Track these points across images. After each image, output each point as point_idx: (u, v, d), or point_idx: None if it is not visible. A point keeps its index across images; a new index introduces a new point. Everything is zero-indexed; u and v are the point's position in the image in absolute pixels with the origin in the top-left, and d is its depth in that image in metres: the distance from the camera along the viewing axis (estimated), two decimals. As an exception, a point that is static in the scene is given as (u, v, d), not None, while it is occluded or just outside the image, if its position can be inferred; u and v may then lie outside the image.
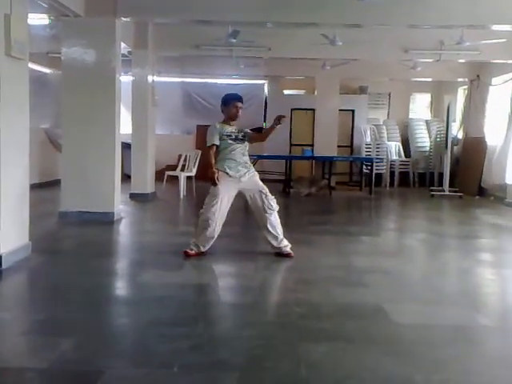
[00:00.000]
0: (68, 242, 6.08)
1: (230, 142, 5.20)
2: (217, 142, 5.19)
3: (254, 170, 5.37)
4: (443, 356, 3.01)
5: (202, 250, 5.18)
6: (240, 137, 5.25)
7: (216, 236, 5.18)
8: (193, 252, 5.14)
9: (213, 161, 5.17)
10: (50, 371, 2.70)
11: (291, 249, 5.25)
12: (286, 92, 14.21)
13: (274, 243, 5.24)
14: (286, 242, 5.27)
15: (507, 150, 10.17)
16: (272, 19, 7.22)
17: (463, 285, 4.77)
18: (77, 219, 6.77)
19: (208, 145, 5.22)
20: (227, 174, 5.15)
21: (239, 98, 5.30)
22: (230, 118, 5.28)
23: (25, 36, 4.80)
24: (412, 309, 3.89)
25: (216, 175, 5.07)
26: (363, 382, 2.70)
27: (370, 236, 6.76)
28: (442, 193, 11.06)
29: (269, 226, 5.19)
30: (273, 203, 5.22)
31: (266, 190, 5.24)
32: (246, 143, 5.30)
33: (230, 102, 5.28)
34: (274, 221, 5.22)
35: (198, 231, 5.20)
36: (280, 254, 5.23)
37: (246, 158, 5.30)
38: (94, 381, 2.57)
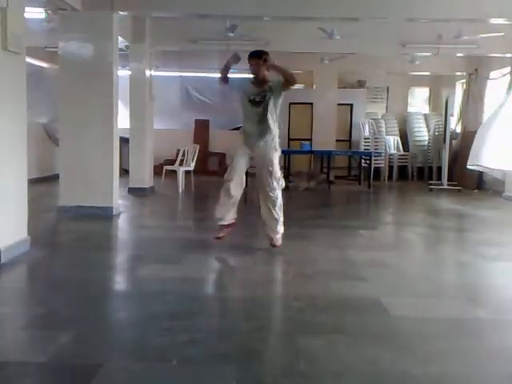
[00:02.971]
0: (67, 236, 6.08)
1: (247, 103, 5.05)
2: (225, 74, 5.09)
3: (272, 138, 5.07)
4: (441, 349, 3.02)
5: (224, 222, 5.21)
6: (258, 99, 4.99)
7: (233, 199, 5.17)
8: (220, 234, 5.21)
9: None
10: (49, 365, 2.71)
11: (287, 242, 5.23)
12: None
13: (272, 225, 5.10)
14: (280, 233, 5.16)
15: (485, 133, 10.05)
16: (269, 13, 7.21)
17: (461, 278, 4.79)
18: (75, 214, 6.76)
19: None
20: (244, 139, 5.09)
21: (253, 54, 5.03)
22: (253, 76, 5.08)
23: (21, 30, 4.78)
24: (410, 302, 3.90)
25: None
26: (361, 375, 2.71)
27: (369, 230, 6.77)
28: (441, 186, 11.07)
29: (271, 206, 5.07)
30: (276, 183, 5.05)
31: (273, 168, 5.03)
32: (267, 105, 4.98)
33: (248, 60, 5.04)
34: (278, 203, 5.08)
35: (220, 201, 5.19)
36: (269, 241, 5.17)
37: (263, 127, 5.01)
38: (93, 374, 2.58)
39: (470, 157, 9.77)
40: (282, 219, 5.15)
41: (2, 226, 4.55)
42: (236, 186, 5.13)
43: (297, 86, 14.83)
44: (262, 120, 5.01)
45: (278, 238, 5.20)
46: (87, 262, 4.78)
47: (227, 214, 5.22)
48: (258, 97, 5.00)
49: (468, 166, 9.89)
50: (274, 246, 5.19)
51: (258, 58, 5.00)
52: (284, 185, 5.15)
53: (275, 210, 5.10)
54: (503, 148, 8.15)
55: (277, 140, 5.14)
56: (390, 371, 2.74)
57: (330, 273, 4.61)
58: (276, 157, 5.10)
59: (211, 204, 9.55)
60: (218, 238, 5.25)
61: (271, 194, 5.07)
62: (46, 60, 11.19)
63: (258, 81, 5.07)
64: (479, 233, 6.80)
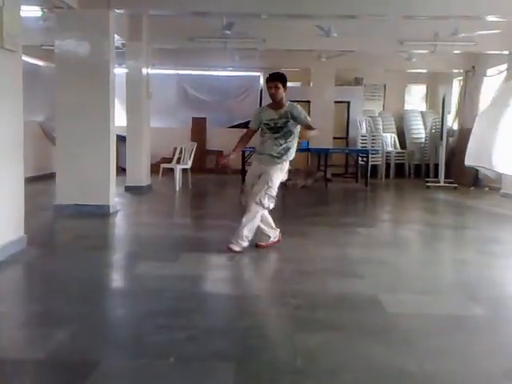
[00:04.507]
0: (64, 234, 6.07)
1: (265, 130, 5.06)
2: (251, 126, 5.18)
3: (283, 161, 5.03)
4: (438, 346, 3.03)
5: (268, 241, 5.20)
6: (279, 124, 4.96)
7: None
8: (264, 243, 5.18)
9: (239, 146, 5.22)
10: (47, 362, 2.71)
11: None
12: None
13: (240, 227, 4.95)
14: (239, 240, 4.98)
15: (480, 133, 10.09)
16: (267, 11, 7.19)
17: (458, 275, 4.80)
18: (72, 212, 6.75)
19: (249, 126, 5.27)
20: (257, 156, 5.17)
21: (272, 77, 4.98)
22: (271, 99, 5.06)
23: (18, 28, 4.76)
24: (407, 299, 3.91)
25: (223, 160, 5.16)
26: (358, 371, 2.71)
27: (366, 227, 6.77)
28: (438, 184, 11.09)
29: (250, 212, 4.90)
30: (264, 201, 4.89)
31: (272, 185, 4.93)
32: (286, 130, 4.96)
33: (267, 82, 5.01)
34: (254, 215, 4.92)
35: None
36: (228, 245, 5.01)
37: (280, 149, 4.97)
38: (90, 371, 2.58)
39: (469, 155, 9.80)
40: (245, 232, 4.95)
41: (-2, 224, 4.54)
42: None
43: (294, 84, 14.85)
44: (280, 144, 4.99)
45: (234, 244, 4.98)
46: (84, 260, 4.78)
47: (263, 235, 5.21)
48: (281, 121, 4.96)
49: (466, 164, 9.93)
50: (229, 248, 4.97)
51: (278, 80, 4.95)
52: (272, 206, 5.04)
53: (249, 218, 4.93)
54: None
55: (287, 164, 5.14)
56: (386, 368, 2.75)
57: (328, 270, 4.61)
58: (279, 178, 5.07)
59: (208, 202, 9.66)
60: (261, 245, 5.19)
61: (255, 205, 4.89)
62: (42, 58, 11.16)
63: (274, 104, 5.03)
64: (477, 230, 6.82)
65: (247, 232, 4.96)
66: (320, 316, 3.50)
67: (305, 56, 11.71)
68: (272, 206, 5.02)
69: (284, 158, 5.04)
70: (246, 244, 4.99)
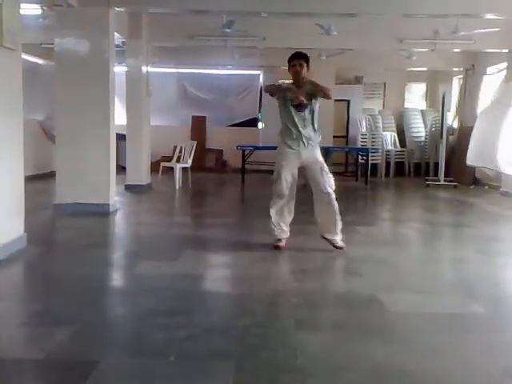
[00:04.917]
0: (64, 233, 6.07)
1: (291, 108, 4.87)
2: (273, 95, 4.97)
3: (318, 141, 5.00)
4: (438, 344, 3.03)
5: (282, 244, 5.12)
6: (304, 103, 4.85)
7: (287, 220, 5.11)
8: (279, 244, 5.10)
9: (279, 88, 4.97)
10: (47, 362, 2.71)
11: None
12: (281, 82, 14.13)
13: (332, 227, 5.00)
14: (340, 234, 5.04)
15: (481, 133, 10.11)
16: (266, 9, 7.18)
17: (458, 273, 4.80)
18: (72, 211, 6.75)
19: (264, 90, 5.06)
20: (288, 145, 4.91)
21: (296, 56, 4.93)
22: (293, 78, 4.93)
23: (17, 26, 4.75)
24: (407, 297, 3.91)
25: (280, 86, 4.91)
26: (358, 371, 2.71)
27: (366, 226, 6.77)
28: (438, 182, 11.09)
29: (328, 206, 4.95)
30: (332, 182, 4.93)
31: (326, 167, 4.94)
32: (310, 108, 4.89)
33: (291, 61, 4.92)
34: (335, 203, 4.96)
35: (271, 212, 5.08)
36: (327, 241, 5.06)
37: (309, 130, 4.91)
38: (90, 371, 2.58)
39: (471, 155, 9.81)
40: (339, 225, 5.04)
41: (-2, 223, 4.54)
42: (289, 203, 5.08)
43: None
44: (309, 123, 4.92)
45: (339, 240, 5.09)
46: (84, 259, 4.78)
47: (284, 234, 5.15)
48: (304, 101, 4.85)
49: (468, 164, 9.93)
50: (338, 247, 5.06)
51: (302, 59, 4.92)
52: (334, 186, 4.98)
53: (335, 210, 4.98)
54: None
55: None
56: (386, 367, 2.75)
57: (328, 268, 4.62)
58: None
59: (208, 201, 9.65)
60: (277, 246, 5.13)
61: (330, 196, 4.94)
62: (41, 56, 11.15)
63: (298, 83, 4.94)
64: (477, 228, 6.81)
65: (340, 224, 5.02)
66: (320, 314, 3.50)
67: (305, 54, 11.69)
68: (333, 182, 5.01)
69: (317, 140, 5.00)
70: (340, 233, 5.06)
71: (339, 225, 5.06)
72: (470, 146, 9.98)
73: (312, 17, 8.18)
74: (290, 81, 5.00)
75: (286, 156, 4.96)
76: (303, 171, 5.02)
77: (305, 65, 4.92)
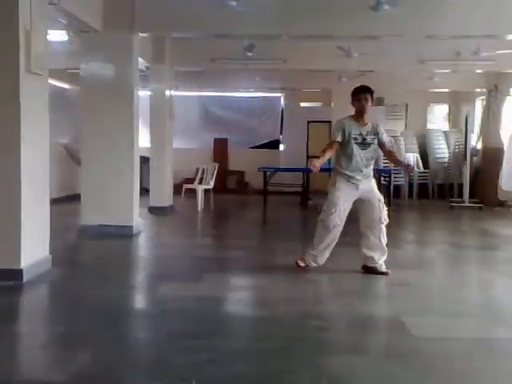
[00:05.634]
0: (88, 255, 6.12)
1: (354, 145, 4.84)
2: (339, 139, 4.85)
3: (371, 172, 5.05)
4: (463, 369, 2.97)
5: (313, 264, 5.09)
6: (368, 140, 4.87)
7: (331, 247, 5.09)
8: (302, 264, 5.08)
9: (324, 155, 4.83)
10: (70, 384, 2.72)
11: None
12: (302, 104, 14.23)
13: (377, 257, 4.98)
14: (383, 260, 5.04)
15: None
16: (287, 32, 7.24)
17: (484, 297, 4.70)
18: (97, 232, 6.80)
19: (332, 139, 4.96)
20: (347, 176, 4.88)
21: (362, 89, 4.91)
22: (357, 112, 4.91)
23: (45, 52, 4.87)
24: (432, 321, 3.84)
25: (314, 165, 4.64)
26: (383, 395, 2.66)
27: (390, 248, 6.67)
28: (462, 204, 10.93)
29: (381, 237, 4.95)
30: (386, 217, 4.95)
31: (382, 198, 5.00)
32: (374, 148, 4.92)
33: (357, 94, 4.90)
34: (385, 234, 4.97)
35: (316, 241, 5.06)
36: (372, 271, 5.01)
37: (370, 167, 4.95)
38: (113, 394, 2.58)
39: (507, 179, 9.64)
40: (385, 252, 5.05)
41: (24, 245, 4.60)
42: (339, 231, 5.04)
43: (315, 104, 14.82)
44: (369, 163, 4.94)
45: (383, 265, 5.04)
46: (108, 281, 4.80)
47: (321, 258, 5.13)
48: (369, 137, 4.89)
49: (505, 189, 9.76)
50: (384, 273, 4.99)
51: (369, 93, 4.91)
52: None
53: (383, 241, 4.99)
54: None
55: None
56: (412, 392, 2.69)
57: (351, 291, 4.56)
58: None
59: (230, 222, 9.66)
60: (302, 266, 5.12)
61: (383, 227, 4.96)
62: (67, 81, 11.40)
63: (361, 118, 4.93)
64: (503, 251, 6.69)
65: (385, 247, 5.01)
66: (344, 338, 3.45)
67: (325, 76, 11.75)
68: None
69: (372, 174, 5.05)
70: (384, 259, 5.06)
71: (385, 255, 5.06)
72: (504, 171, 9.83)
73: (332, 39, 8.23)
74: (351, 113, 4.99)
75: (344, 188, 4.92)
76: (354, 203, 4.97)
77: (370, 99, 4.92)
